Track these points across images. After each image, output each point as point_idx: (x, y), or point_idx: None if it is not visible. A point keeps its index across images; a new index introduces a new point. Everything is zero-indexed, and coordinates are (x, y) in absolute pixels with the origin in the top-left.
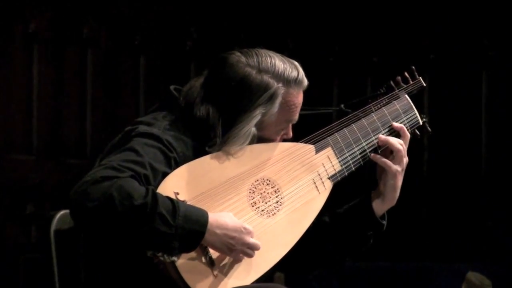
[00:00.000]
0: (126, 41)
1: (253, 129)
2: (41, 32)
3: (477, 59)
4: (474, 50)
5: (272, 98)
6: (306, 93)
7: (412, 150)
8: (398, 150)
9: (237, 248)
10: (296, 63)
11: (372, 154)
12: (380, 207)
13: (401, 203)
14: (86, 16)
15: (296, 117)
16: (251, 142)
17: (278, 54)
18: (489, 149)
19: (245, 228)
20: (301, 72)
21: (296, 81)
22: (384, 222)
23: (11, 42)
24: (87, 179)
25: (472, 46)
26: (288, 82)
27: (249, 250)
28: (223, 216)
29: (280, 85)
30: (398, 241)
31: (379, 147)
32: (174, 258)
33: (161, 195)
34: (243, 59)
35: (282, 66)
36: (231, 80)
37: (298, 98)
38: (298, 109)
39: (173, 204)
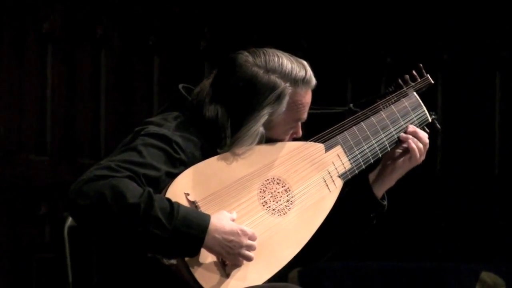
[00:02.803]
0: (139, 41)
1: (261, 129)
2: (55, 32)
3: (489, 59)
4: (488, 50)
5: (279, 98)
6: (319, 93)
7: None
8: (426, 144)
9: (235, 251)
10: (304, 62)
11: (403, 134)
12: (380, 188)
13: (415, 203)
14: (99, 16)
15: (304, 116)
16: (260, 142)
17: (286, 54)
18: (502, 149)
19: (241, 230)
20: (309, 71)
21: (304, 81)
22: (385, 203)
23: (25, 42)
24: (82, 178)
25: (485, 46)
26: (296, 81)
27: (247, 252)
28: (221, 219)
29: (287, 84)
30: (412, 241)
31: (399, 141)
32: (173, 261)
33: (161, 197)
34: (250, 59)
35: (290, 65)
36: (238, 80)
37: (306, 98)
38: (307, 108)
39: (172, 207)
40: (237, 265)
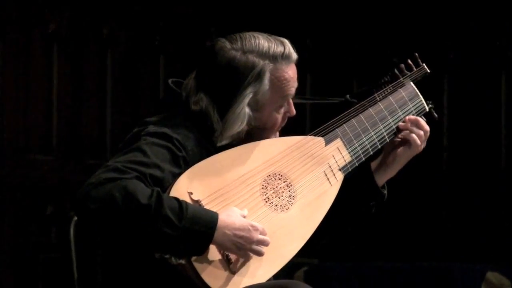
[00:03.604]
0: (145, 41)
1: (247, 110)
2: (61, 32)
3: (496, 59)
4: (494, 50)
5: (259, 75)
6: (325, 93)
7: (431, 149)
8: (427, 131)
9: (246, 247)
10: (283, 39)
11: (401, 123)
12: (381, 178)
13: (421, 202)
14: (105, 16)
15: (291, 91)
16: (249, 125)
17: (264, 34)
18: (508, 149)
19: (252, 226)
20: (288, 47)
21: (283, 56)
22: (385, 192)
23: (31, 42)
24: (91, 181)
25: (491, 46)
26: (275, 58)
27: (257, 247)
28: (230, 216)
29: (266, 61)
30: (418, 241)
31: (398, 130)
32: (182, 261)
33: (169, 197)
34: (227, 44)
35: (267, 44)
36: (218, 66)
37: (289, 73)
38: (292, 83)
39: (181, 206)
40: (246, 261)
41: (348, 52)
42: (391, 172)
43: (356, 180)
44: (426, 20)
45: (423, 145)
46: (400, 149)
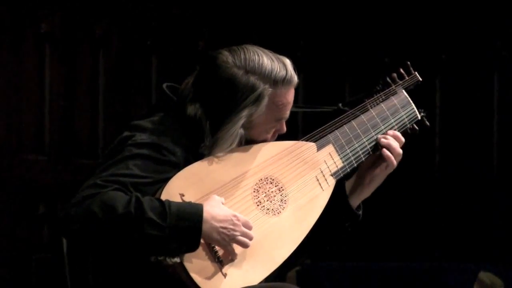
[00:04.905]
0: (138, 42)
1: (241, 130)
2: (53, 32)
3: (489, 59)
4: (487, 50)
5: (258, 99)
6: (317, 94)
7: (423, 149)
8: (399, 154)
9: (231, 237)
10: (286, 60)
11: (383, 149)
12: (356, 199)
13: (413, 202)
14: (98, 17)
15: (285, 115)
16: (241, 142)
17: (266, 51)
18: (501, 150)
19: (234, 216)
20: (290, 71)
21: (284, 81)
22: (360, 212)
23: (23, 42)
24: (72, 201)
25: (484, 46)
26: (276, 82)
27: (243, 238)
28: (214, 206)
29: (266, 86)
30: (410, 241)
31: (380, 146)
32: (177, 260)
33: (149, 199)
34: (230, 59)
35: (270, 65)
36: (218, 81)
37: (287, 97)
38: (288, 107)
39: (163, 204)
40: (237, 263)
41: (341, 53)
42: (366, 193)
43: (330, 202)
44: (418, 21)
45: (396, 160)
46: (376, 170)
